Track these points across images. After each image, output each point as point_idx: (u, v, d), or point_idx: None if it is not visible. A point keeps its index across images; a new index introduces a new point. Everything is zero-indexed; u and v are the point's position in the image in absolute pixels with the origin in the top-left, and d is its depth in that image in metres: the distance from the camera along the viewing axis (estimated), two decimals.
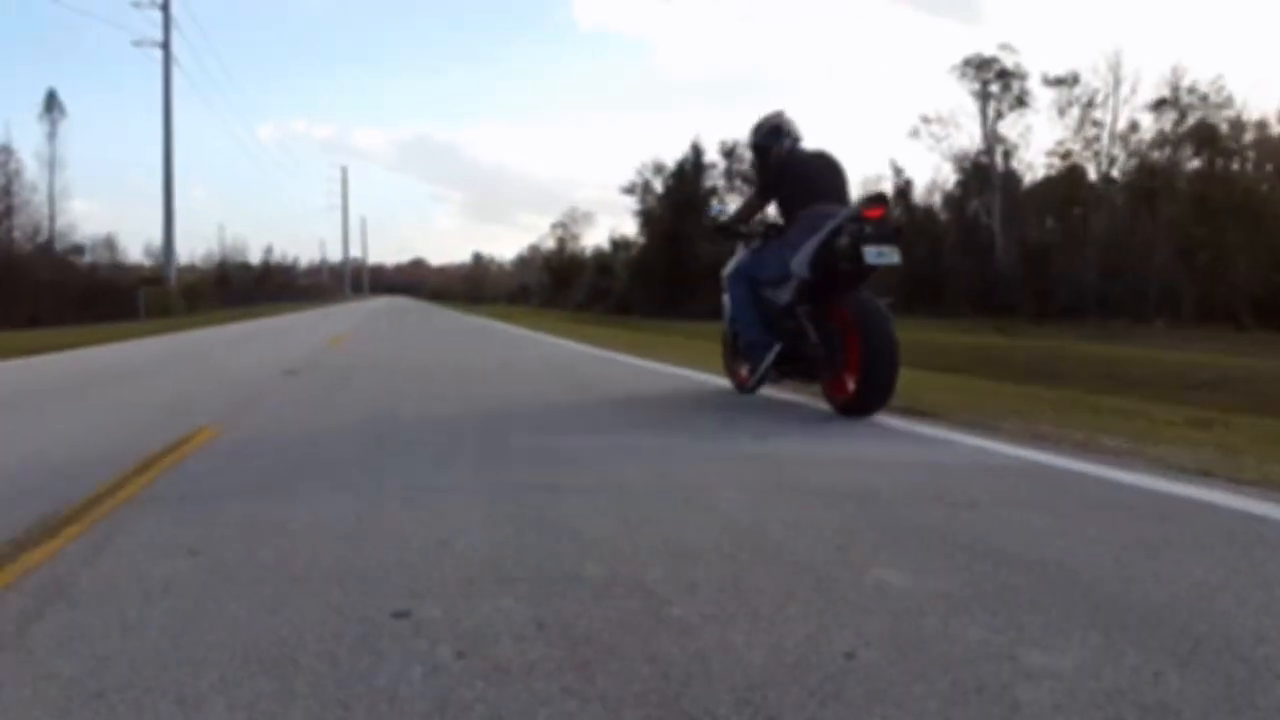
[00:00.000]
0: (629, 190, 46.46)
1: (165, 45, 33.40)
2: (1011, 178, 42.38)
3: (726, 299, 5.35)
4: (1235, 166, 38.76)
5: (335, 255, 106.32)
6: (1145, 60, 52.92)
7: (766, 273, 4.68)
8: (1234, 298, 31.87)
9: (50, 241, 36.35)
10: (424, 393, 5.40)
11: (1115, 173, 40.72)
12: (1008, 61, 42.69)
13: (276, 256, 72.52)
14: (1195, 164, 38.50)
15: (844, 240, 4.17)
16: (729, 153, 44.60)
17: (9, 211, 33.82)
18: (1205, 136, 37.84)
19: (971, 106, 43.91)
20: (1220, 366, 12.17)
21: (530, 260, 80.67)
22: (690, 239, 41.87)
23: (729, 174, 44.61)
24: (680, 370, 7.14)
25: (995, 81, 42.30)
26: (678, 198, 43.65)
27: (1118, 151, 40.97)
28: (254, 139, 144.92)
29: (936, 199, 45.10)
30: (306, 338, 13.59)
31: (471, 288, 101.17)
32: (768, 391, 5.02)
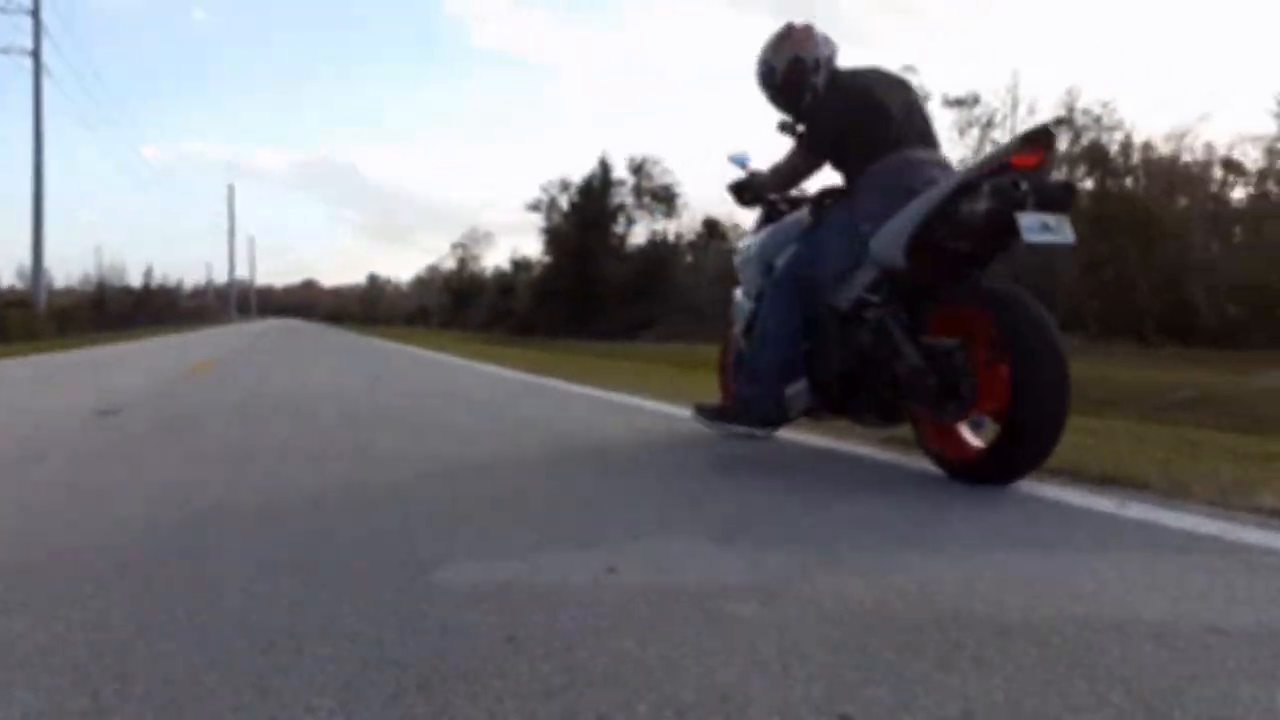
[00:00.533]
0: (534, 207, 44.64)
1: (35, 54, 30.83)
2: None
3: (739, 295, 3.73)
4: (1128, 184, 39.50)
5: (222, 276, 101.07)
6: (1045, 81, 53.97)
7: (825, 263, 3.04)
8: (1137, 313, 32.18)
9: None
10: (289, 449, 3.58)
11: None
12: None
13: (160, 279, 68.30)
14: (1088, 184, 39.03)
15: (982, 205, 2.53)
16: (637, 169, 43.32)
17: None
18: (1097, 157, 38.43)
19: None
20: (1182, 384, 11.16)
21: (429, 281, 78.05)
22: (597, 256, 40.27)
23: (638, 191, 43.23)
24: (636, 400, 5.47)
25: None
26: (585, 215, 42.05)
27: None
28: (142, 160, 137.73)
29: None
30: (166, 363, 11.35)
31: (367, 309, 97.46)
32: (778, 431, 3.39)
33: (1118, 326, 31.32)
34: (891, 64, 3.50)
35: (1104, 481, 2.62)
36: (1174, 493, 2.46)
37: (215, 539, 2.08)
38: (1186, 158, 38.38)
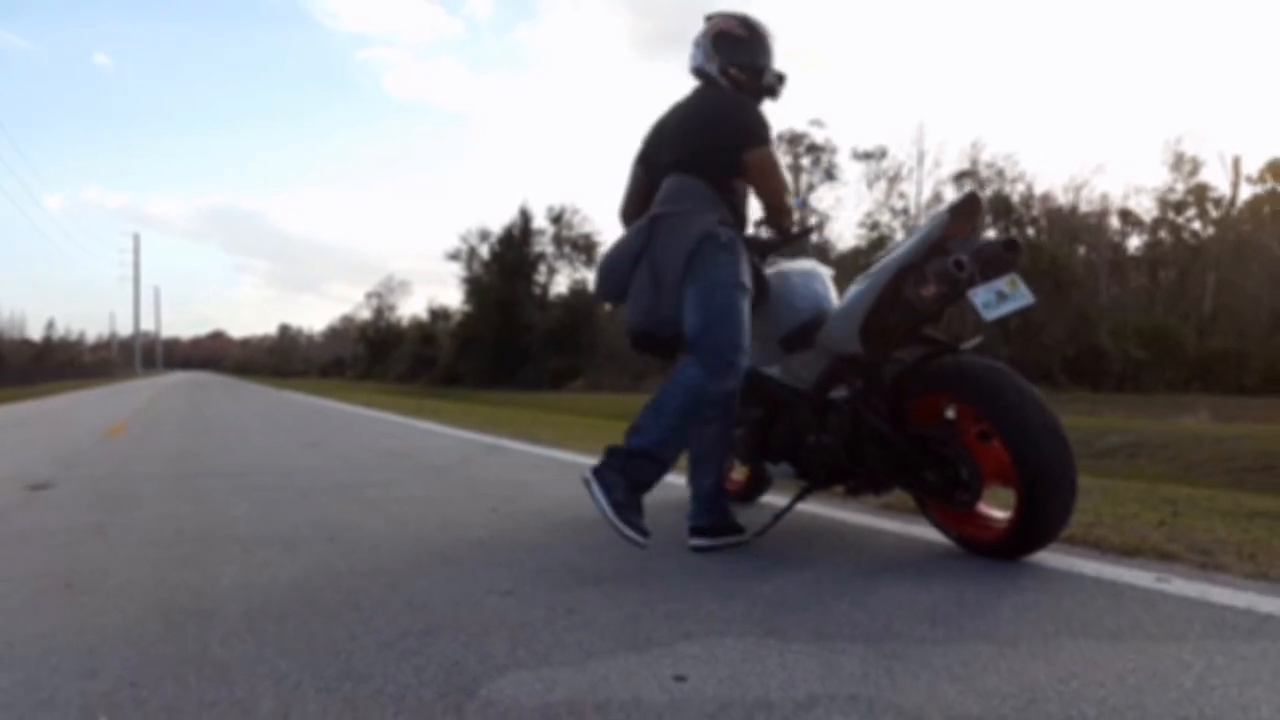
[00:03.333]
0: (454, 256, 44.29)
1: None
2: (825, 247, 43.32)
3: None
4: (1030, 234, 41.05)
5: (126, 329, 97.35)
6: (949, 135, 56.33)
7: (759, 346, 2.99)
8: (1047, 358, 33.17)
9: None
10: (250, 532, 3.32)
11: None
12: (818, 136, 44.11)
13: (61, 332, 65.49)
14: (992, 234, 40.57)
15: (930, 290, 2.52)
16: (557, 218, 43.43)
17: None
18: (1000, 208, 40.02)
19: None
20: (1109, 430, 11.44)
21: (343, 331, 76.49)
22: (521, 305, 40.06)
23: (558, 240, 43.31)
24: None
25: (806, 155, 43.45)
26: (506, 264, 41.85)
27: (925, 221, 42.64)
28: (41, 209, 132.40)
29: None
30: (77, 424, 10.74)
31: (279, 361, 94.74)
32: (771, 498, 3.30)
33: (1028, 372, 32.34)
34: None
35: (1127, 553, 2.60)
36: (1207, 564, 2.44)
37: (223, 649, 1.87)
38: (1085, 208, 40.13)
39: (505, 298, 40.43)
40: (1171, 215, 39.49)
